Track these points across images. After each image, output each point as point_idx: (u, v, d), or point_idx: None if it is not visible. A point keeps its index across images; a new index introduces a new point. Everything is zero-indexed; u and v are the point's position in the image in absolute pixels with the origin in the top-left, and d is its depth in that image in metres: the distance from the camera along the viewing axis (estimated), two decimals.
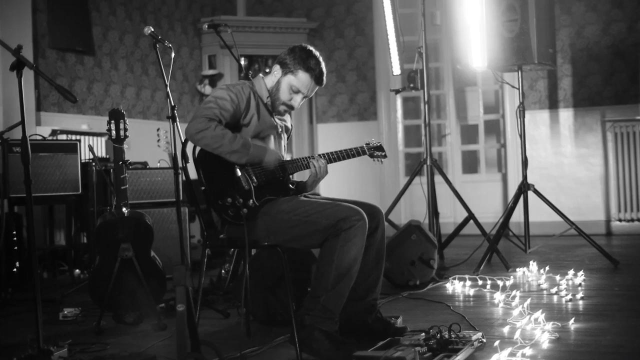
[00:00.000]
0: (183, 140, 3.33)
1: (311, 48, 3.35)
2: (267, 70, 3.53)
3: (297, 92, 3.32)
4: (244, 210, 3.08)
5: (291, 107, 3.37)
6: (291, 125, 3.57)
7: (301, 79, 3.29)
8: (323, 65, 3.34)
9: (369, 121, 8.30)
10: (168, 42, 4.04)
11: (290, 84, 3.30)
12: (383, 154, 3.41)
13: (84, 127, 6.26)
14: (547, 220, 6.47)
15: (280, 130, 3.41)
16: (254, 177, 3.18)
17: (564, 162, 7.52)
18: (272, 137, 3.35)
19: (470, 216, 5.49)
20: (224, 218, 3.12)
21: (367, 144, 3.40)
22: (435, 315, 3.74)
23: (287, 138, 3.54)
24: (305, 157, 3.29)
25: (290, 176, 3.34)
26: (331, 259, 2.99)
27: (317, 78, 3.32)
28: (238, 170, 3.17)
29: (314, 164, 3.25)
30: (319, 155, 3.30)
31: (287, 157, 3.39)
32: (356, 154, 3.33)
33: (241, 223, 3.07)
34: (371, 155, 3.39)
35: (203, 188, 3.14)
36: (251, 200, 3.12)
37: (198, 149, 3.24)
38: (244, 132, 3.26)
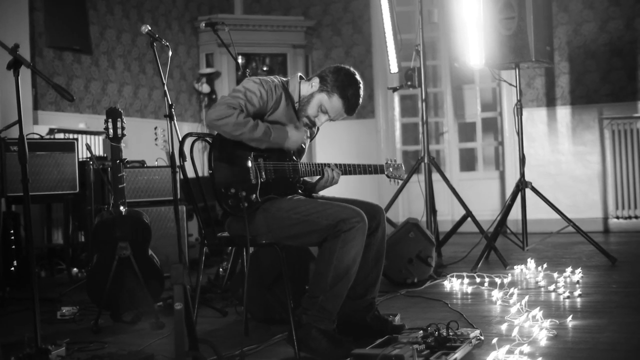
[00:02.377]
0: (180, 139, 3.31)
1: (357, 77, 3.26)
2: (301, 75, 3.44)
3: (325, 112, 3.25)
4: (245, 203, 3.07)
5: (313, 124, 3.31)
6: (317, 128, 3.48)
7: (334, 103, 3.22)
8: (361, 97, 3.25)
9: (367, 119, 8.30)
10: (165, 40, 4.03)
11: (321, 102, 3.24)
12: (402, 175, 3.41)
13: (82, 126, 6.25)
14: (545, 218, 6.47)
15: (305, 135, 3.35)
16: (263, 173, 3.14)
17: (562, 160, 7.53)
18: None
19: (468, 214, 5.49)
20: (223, 207, 3.10)
21: (386, 163, 3.40)
22: (433, 312, 3.74)
23: (311, 140, 3.51)
24: (321, 164, 3.27)
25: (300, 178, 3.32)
26: (330, 259, 2.98)
27: (350, 108, 3.24)
28: (249, 162, 3.14)
29: (328, 172, 3.25)
30: (335, 164, 3.27)
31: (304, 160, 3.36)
32: (373, 172, 3.33)
33: (238, 215, 3.06)
34: (388, 176, 3.41)
35: (210, 172, 3.13)
36: (254, 195, 3.10)
37: (200, 144, 3.22)
38: None
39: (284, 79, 3.34)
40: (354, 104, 3.24)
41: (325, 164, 3.26)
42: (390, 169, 3.40)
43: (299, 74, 3.41)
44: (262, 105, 3.17)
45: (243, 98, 3.12)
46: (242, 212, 3.05)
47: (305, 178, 3.36)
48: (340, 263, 2.98)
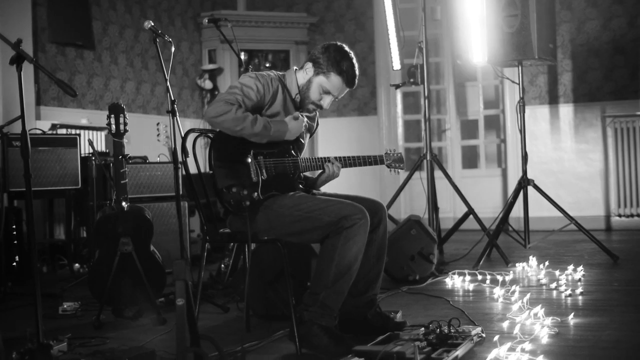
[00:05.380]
0: (183, 135, 3.31)
1: (346, 48, 3.28)
2: (295, 67, 3.44)
3: (328, 93, 3.25)
4: (247, 202, 3.06)
5: (320, 107, 3.31)
6: (317, 123, 3.50)
7: (333, 81, 3.23)
8: (356, 67, 3.26)
9: (369, 116, 8.30)
10: (168, 36, 4.03)
11: (321, 84, 3.24)
12: (401, 165, 3.41)
13: (84, 122, 6.25)
14: (547, 216, 6.47)
15: (304, 128, 3.34)
16: (264, 171, 3.13)
17: (564, 158, 7.52)
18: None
19: (470, 211, 5.49)
20: (224, 206, 3.10)
21: (386, 154, 3.40)
22: (434, 310, 3.74)
23: (311, 136, 3.50)
24: (321, 158, 3.26)
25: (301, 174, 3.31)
26: (332, 256, 2.98)
27: (349, 81, 3.25)
28: (249, 160, 3.13)
29: (328, 166, 3.24)
30: (335, 158, 3.27)
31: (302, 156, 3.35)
32: (373, 162, 3.32)
33: (241, 214, 3.06)
34: (389, 166, 3.40)
35: (211, 171, 3.12)
36: (256, 193, 3.08)
37: (202, 140, 3.21)
38: None
39: (281, 73, 3.35)
40: (352, 76, 3.24)
41: (325, 159, 3.26)
42: (391, 159, 3.40)
43: (294, 67, 3.41)
44: (259, 98, 3.18)
45: (240, 94, 3.13)
46: (244, 210, 3.05)
47: (306, 173, 3.36)
48: (342, 260, 2.97)
